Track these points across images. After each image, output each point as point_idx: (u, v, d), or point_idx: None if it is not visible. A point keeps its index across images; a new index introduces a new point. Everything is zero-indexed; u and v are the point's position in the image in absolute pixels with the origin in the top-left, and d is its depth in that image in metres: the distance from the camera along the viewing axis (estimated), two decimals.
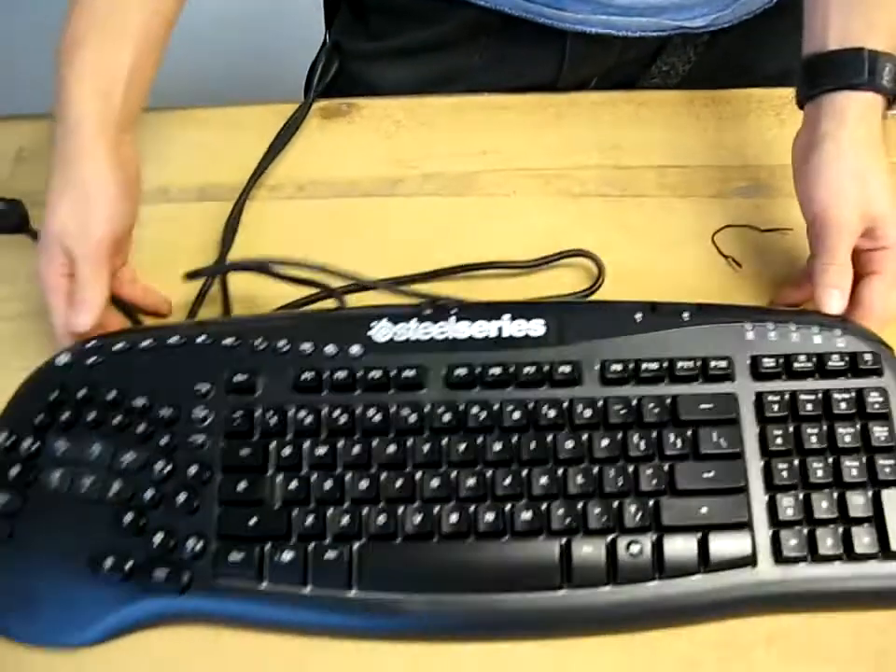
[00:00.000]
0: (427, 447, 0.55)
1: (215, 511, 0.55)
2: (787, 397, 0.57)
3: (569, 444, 0.55)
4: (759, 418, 0.57)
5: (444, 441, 0.56)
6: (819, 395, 0.57)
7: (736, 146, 0.76)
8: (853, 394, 0.57)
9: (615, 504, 0.53)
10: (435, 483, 0.54)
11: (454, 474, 0.55)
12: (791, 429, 0.56)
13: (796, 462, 0.55)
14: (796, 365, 0.58)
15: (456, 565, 0.53)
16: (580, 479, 0.54)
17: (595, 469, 0.55)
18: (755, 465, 0.55)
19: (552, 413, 0.56)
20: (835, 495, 0.54)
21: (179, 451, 0.56)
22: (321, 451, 0.55)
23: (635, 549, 0.53)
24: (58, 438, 0.57)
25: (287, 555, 0.53)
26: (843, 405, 0.56)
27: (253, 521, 0.54)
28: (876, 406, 0.56)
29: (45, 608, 0.54)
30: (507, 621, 0.52)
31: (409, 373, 0.58)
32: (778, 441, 0.56)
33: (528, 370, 0.57)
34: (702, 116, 0.78)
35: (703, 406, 0.57)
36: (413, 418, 0.56)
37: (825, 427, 0.56)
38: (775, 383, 0.58)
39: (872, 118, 0.60)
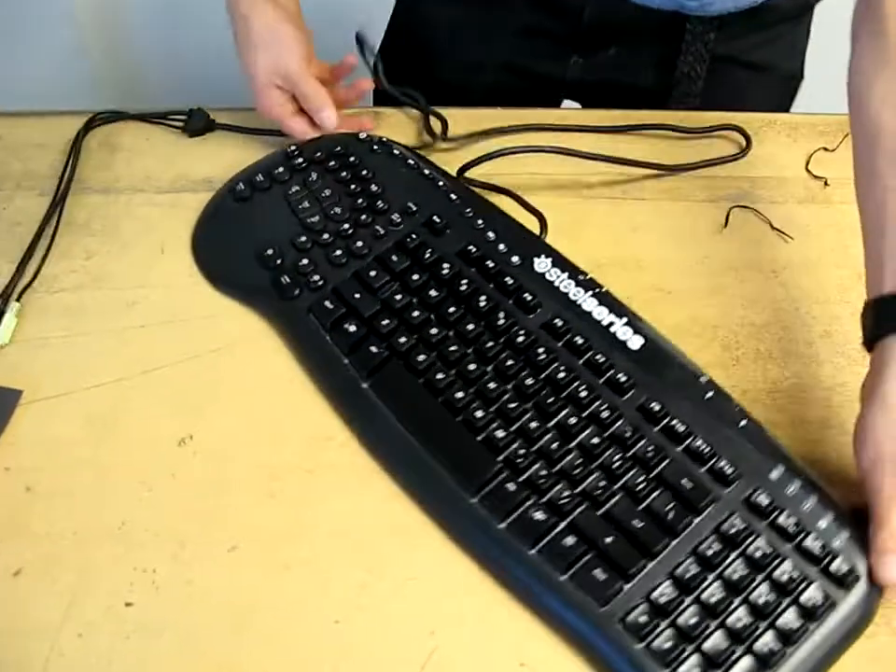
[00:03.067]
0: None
1: None
2: (746, 534, 0.54)
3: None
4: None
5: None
6: (772, 555, 0.54)
7: None
8: (798, 576, 0.53)
9: None
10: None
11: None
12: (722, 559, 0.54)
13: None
14: (781, 519, 0.55)
15: None
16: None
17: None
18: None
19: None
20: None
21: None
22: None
23: None
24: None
25: None
26: (784, 577, 0.53)
27: None
28: (809, 604, 0.52)
29: None
30: None
31: (529, 298, 0.63)
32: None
33: (614, 374, 0.60)
34: None
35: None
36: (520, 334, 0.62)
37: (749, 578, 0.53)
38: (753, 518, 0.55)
39: None
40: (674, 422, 0.57)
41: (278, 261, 0.66)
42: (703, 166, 0.75)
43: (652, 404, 0.58)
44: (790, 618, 0.51)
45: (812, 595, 0.52)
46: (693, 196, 0.76)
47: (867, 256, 0.58)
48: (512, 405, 0.58)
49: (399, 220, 0.67)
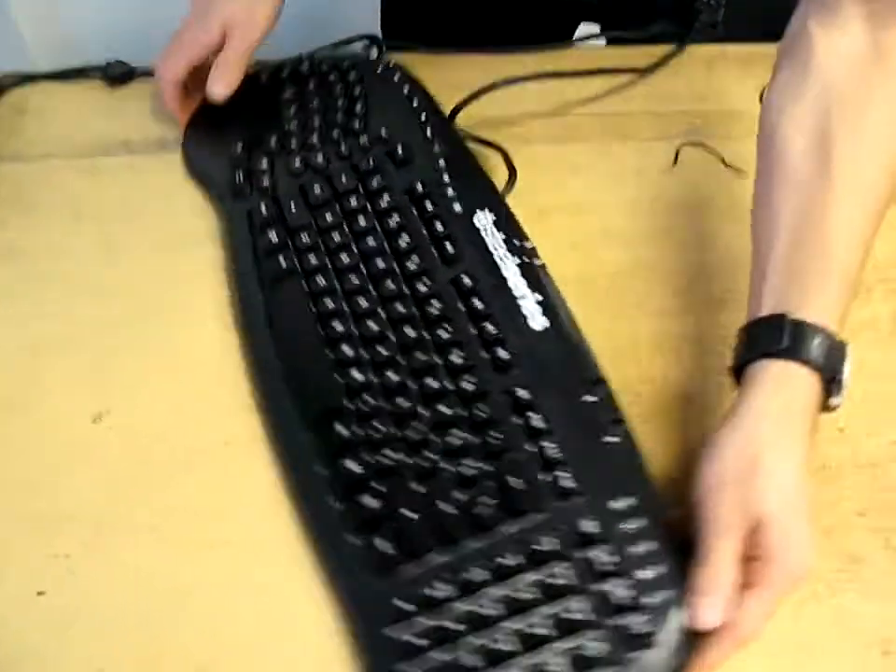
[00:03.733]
0: None
1: None
2: (555, 557, 0.46)
3: None
4: None
5: None
6: (570, 588, 0.46)
7: None
8: (587, 619, 0.45)
9: None
10: None
11: None
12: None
13: None
14: (599, 554, 0.46)
15: None
16: None
17: None
18: None
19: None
20: None
21: None
22: None
23: None
24: None
25: None
26: (572, 616, 0.45)
27: None
28: (585, 653, 0.44)
29: None
30: None
31: (451, 250, 0.57)
32: None
33: (499, 349, 0.53)
34: None
35: None
36: None
37: None
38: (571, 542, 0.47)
39: (792, 393, 0.45)
40: (536, 417, 0.49)
41: (244, 160, 0.63)
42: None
43: (522, 392, 0.50)
44: (556, 661, 0.43)
45: (594, 646, 0.43)
46: (640, 135, 0.67)
47: (750, 284, 0.49)
48: (386, 353, 0.53)
49: (368, 145, 0.62)
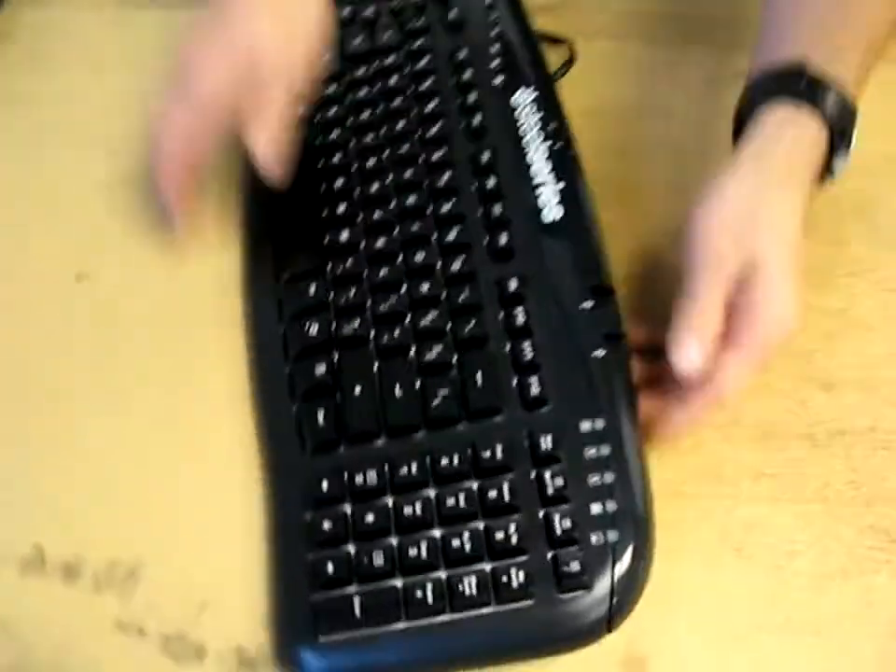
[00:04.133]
0: None
1: None
2: (501, 468, 0.40)
3: None
4: None
5: None
6: (506, 506, 0.40)
7: None
8: (516, 545, 0.39)
9: None
10: None
11: None
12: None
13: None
14: (548, 475, 0.40)
15: None
16: None
17: None
18: None
19: None
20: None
21: None
22: None
23: None
24: None
25: None
26: (501, 536, 0.39)
27: None
28: (503, 579, 0.39)
29: None
30: None
31: (478, 124, 0.50)
32: None
33: (501, 235, 0.46)
34: None
35: None
36: None
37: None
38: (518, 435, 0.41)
39: (799, 140, 0.41)
40: (517, 313, 0.43)
41: None
42: None
43: (513, 283, 0.44)
44: (469, 581, 0.37)
45: (515, 574, 0.37)
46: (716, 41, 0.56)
47: (763, 31, 0.45)
48: (380, 217, 0.47)
49: (422, 2, 0.55)
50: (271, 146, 0.42)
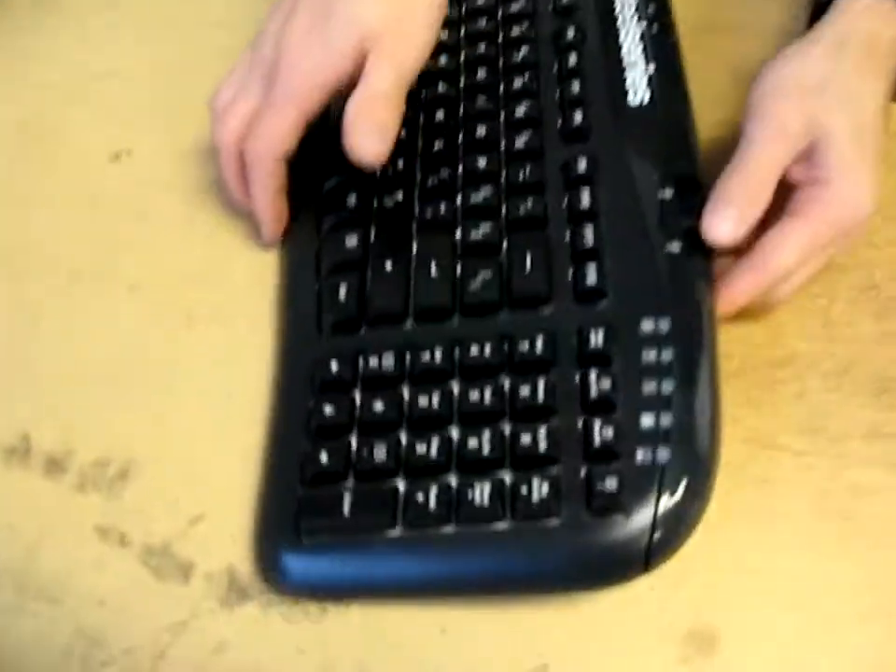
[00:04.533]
0: None
1: None
2: (542, 364, 0.33)
3: None
4: None
5: None
6: (544, 400, 0.33)
7: None
8: (548, 452, 0.32)
9: None
10: None
11: None
12: None
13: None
14: (594, 380, 0.33)
15: None
16: None
17: None
18: None
19: None
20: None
21: None
22: None
23: None
24: None
25: None
26: (530, 443, 0.32)
27: None
28: (527, 494, 0.31)
29: None
30: None
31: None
32: None
33: (576, 113, 0.39)
34: None
35: None
36: None
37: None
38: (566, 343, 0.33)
39: (880, 26, 0.35)
40: (582, 195, 0.35)
41: None
42: None
43: (581, 165, 0.37)
44: (484, 489, 0.30)
45: (538, 486, 0.30)
46: None
47: None
48: (445, 92, 0.41)
49: None
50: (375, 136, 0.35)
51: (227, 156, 0.38)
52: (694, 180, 0.36)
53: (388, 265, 0.36)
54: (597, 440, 0.30)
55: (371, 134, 0.35)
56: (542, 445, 0.31)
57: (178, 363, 0.38)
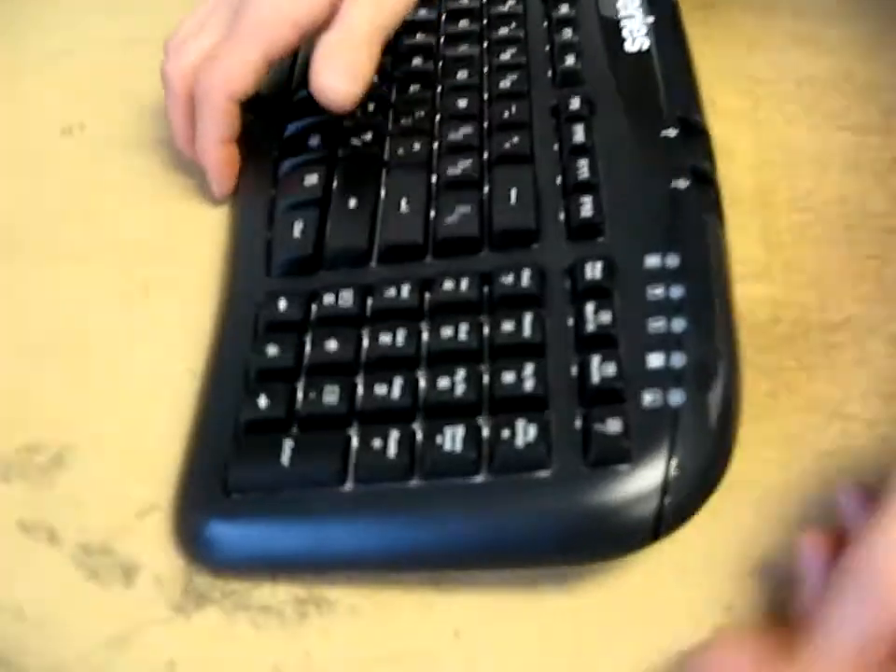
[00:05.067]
0: None
1: None
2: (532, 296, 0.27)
3: None
4: None
5: None
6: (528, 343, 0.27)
7: None
8: (535, 390, 0.26)
9: None
10: None
11: None
12: None
13: None
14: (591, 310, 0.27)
15: None
16: None
17: None
18: None
19: None
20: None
21: None
22: None
23: None
24: None
25: None
26: (511, 381, 0.26)
27: None
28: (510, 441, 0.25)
29: None
30: None
31: None
32: None
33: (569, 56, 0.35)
34: None
35: None
36: None
37: None
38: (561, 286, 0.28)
39: None
40: (576, 130, 0.31)
41: None
42: None
43: (574, 103, 0.32)
44: (450, 436, 0.24)
45: (523, 430, 0.24)
46: None
47: None
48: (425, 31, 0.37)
49: None
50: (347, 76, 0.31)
51: (174, 95, 0.33)
52: (700, 128, 0.31)
53: (352, 202, 0.31)
54: (596, 377, 0.24)
55: (343, 74, 0.30)
56: (528, 384, 0.25)
57: (127, 338, 0.32)
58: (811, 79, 0.39)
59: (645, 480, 0.23)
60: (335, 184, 0.31)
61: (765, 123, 0.37)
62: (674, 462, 0.23)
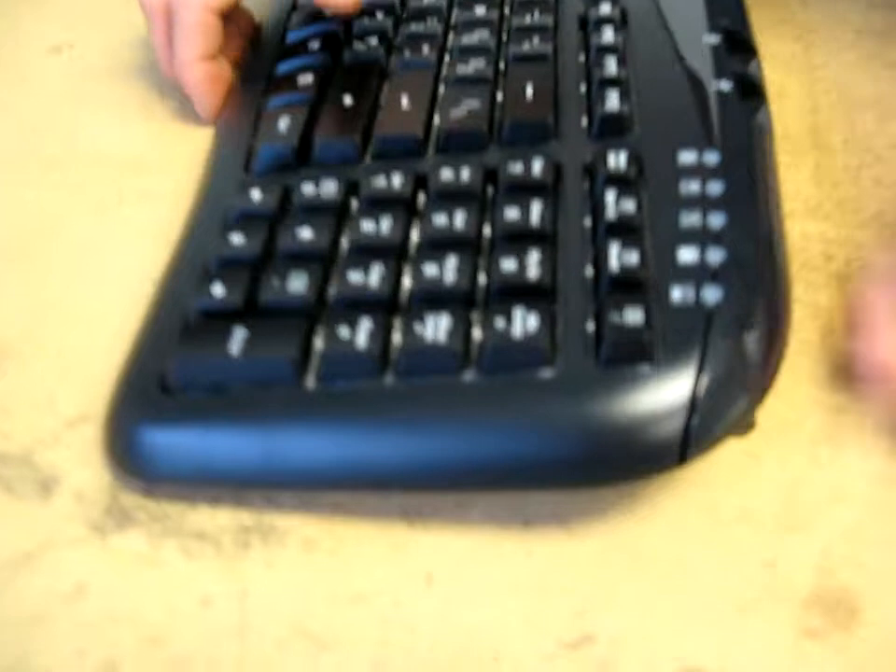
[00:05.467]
0: None
1: None
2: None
3: None
4: None
5: None
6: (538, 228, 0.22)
7: None
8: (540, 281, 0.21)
9: None
10: None
11: None
12: None
13: None
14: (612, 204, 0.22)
15: None
16: None
17: None
18: None
19: None
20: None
21: None
22: None
23: None
24: None
25: None
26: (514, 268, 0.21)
27: None
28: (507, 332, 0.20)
29: None
30: None
31: None
32: None
33: None
34: None
35: None
36: None
37: None
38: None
39: None
40: (603, 30, 0.27)
41: None
42: None
43: (605, 8, 0.28)
44: (432, 327, 0.19)
45: (522, 319, 0.19)
46: None
47: None
48: None
49: None
50: None
51: (152, 13, 0.30)
52: (745, 38, 0.27)
53: (348, 100, 0.26)
54: (615, 265, 0.20)
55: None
56: (532, 273, 0.20)
57: (95, 246, 0.28)
58: (869, 31, 0.35)
59: (670, 387, 0.18)
60: (332, 85, 0.27)
61: (821, 68, 0.33)
62: (706, 372, 0.19)
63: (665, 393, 0.19)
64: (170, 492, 0.22)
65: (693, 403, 0.19)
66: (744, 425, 0.20)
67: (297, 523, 0.21)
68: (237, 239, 0.23)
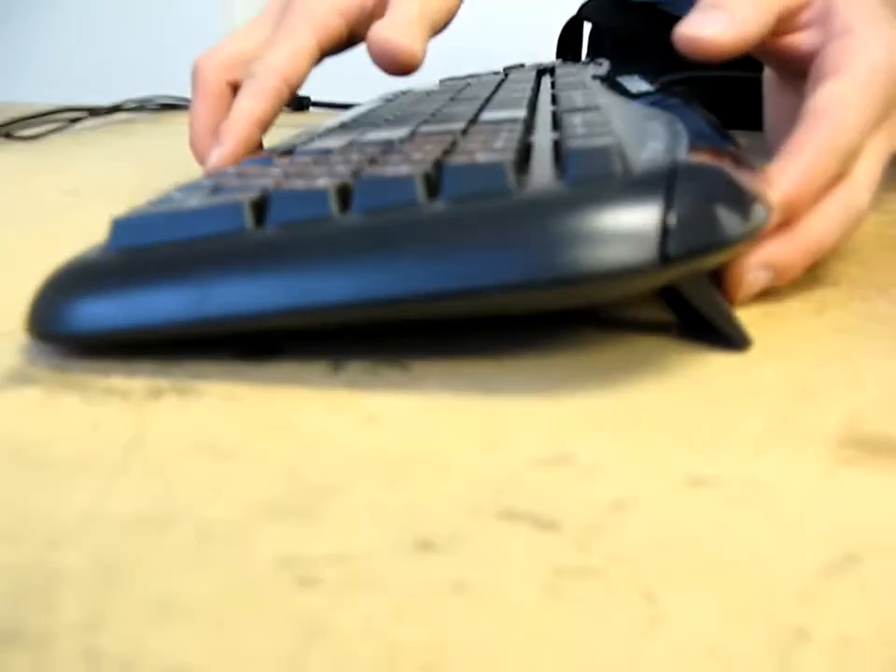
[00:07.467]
0: None
1: None
2: None
3: None
4: None
5: None
6: None
7: None
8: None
9: None
10: None
11: None
12: None
13: None
14: None
15: None
16: None
17: None
18: None
19: None
20: None
21: None
22: None
23: None
24: None
25: None
26: None
27: None
28: None
29: None
30: None
31: None
32: None
33: None
34: None
35: None
36: None
37: None
38: None
39: None
40: None
41: None
42: None
43: None
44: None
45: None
46: None
47: None
48: None
49: None
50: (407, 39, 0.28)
51: (203, 83, 0.30)
52: None
53: None
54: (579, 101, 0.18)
55: (402, 34, 0.27)
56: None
57: None
58: None
59: (642, 186, 0.16)
60: None
61: None
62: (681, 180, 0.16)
63: (638, 190, 0.16)
64: (79, 349, 0.18)
65: (671, 183, 0.15)
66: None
67: (221, 385, 0.17)
68: None
